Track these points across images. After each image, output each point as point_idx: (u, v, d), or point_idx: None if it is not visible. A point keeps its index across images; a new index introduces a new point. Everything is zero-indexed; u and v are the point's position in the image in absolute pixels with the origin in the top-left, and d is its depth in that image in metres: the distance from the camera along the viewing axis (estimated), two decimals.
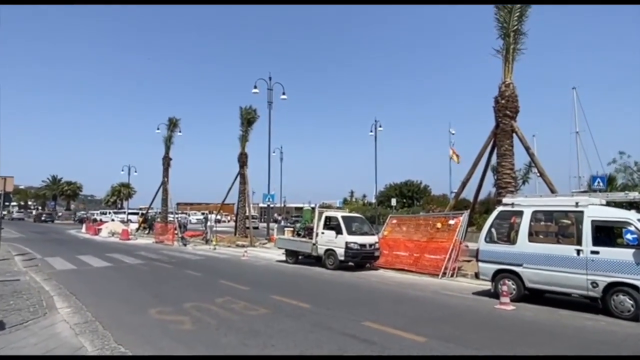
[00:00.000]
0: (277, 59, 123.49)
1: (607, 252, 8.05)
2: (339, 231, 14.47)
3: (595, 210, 8.56)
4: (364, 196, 65.22)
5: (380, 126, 35.93)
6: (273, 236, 23.87)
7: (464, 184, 16.14)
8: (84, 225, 39.27)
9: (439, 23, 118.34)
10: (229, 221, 55.24)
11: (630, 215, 8.26)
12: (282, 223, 37.72)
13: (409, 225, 16.36)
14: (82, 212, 69.88)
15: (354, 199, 65.05)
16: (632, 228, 7.88)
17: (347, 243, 14.08)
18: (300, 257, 16.16)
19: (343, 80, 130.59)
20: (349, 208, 38.12)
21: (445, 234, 14.11)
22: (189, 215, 52.57)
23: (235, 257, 18.12)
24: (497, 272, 9.50)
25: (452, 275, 12.91)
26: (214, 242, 23.45)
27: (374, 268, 14.81)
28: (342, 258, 14.20)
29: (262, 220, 48.31)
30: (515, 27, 14.16)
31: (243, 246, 22.07)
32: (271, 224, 29.51)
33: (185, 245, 24.01)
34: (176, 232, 26.00)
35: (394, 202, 40.21)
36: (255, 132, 29.10)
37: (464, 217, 13.98)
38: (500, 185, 14.12)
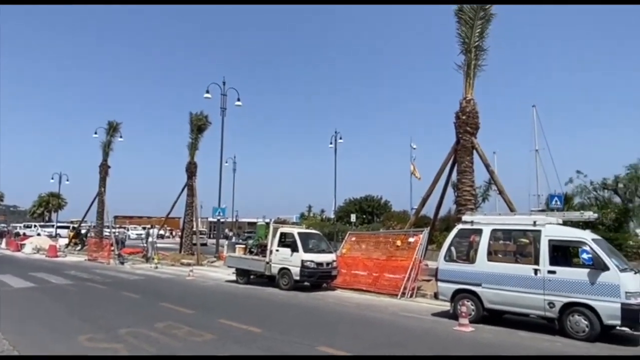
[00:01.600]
0: (233, 64, 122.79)
1: (564, 272, 8.53)
2: (294, 249, 14.40)
3: (552, 229, 9.06)
4: (323, 211, 65.51)
5: (340, 138, 36.43)
6: (223, 254, 23.35)
7: (424, 201, 16.65)
8: (3, 240, 36.69)
9: (403, 33, 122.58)
10: (174, 237, 53.62)
11: (585, 235, 8.84)
12: (234, 239, 37.07)
13: (368, 243, 16.62)
14: (2, 225, 65.14)
15: (311, 214, 65.13)
16: (587, 248, 8.40)
17: (303, 261, 14.03)
18: (252, 277, 15.92)
19: (303, 89, 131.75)
20: (306, 224, 38.12)
21: (405, 252, 14.43)
22: (128, 230, 50.47)
23: (179, 277, 17.56)
24: (457, 292, 9.80)
25: (411, 296, 13.18)
26: (155, 260, 22.61)
27: (331, 288, 14.85)
28: (298, 278, 14.13)
29: (212, 236, 47.28)
30: (477, 43, 14.95)
31: (189, 265, 21.43)
32: (221, 241, 28.90)
33: (122, 263, 22.98)
34: (112, 248, 24.85)
35: (353, 217, 40.71)
36: (206, 141, 28.65)
37: (424, 235, 14.38)
38: (460, 202, 14.66)
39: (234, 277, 16.41)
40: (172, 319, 8.90)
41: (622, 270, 8.15)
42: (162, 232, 33.98)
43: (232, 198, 50.86)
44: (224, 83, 25.52)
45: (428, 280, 13.97)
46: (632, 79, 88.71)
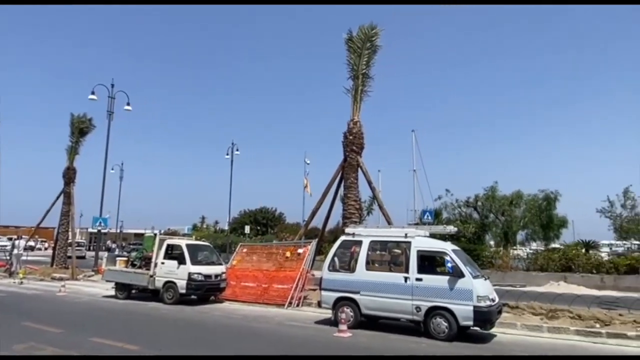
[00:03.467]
0: (123, 66, 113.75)
1: (429, 279, 9.36)
2: (182, 261, 13.73)
3: (421, 241, 9.92)
4: (217, 222, 63.79)
5: (237, 150, 35.97)
6: (102, 267, 21.32)
7: (313, 213, 17.15)
8: None
9: (301, 50, 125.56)
10: (46, 249, 47.68)
11: (446, 246, 9.81)
12: (116, 252, 34.19)
13: (260, 254, 16.46)
14: None
15: (205, 226, 62.93)
16: (448, 258, 9.39)
17: (190, 274, 13.42)
18: (134, 292, 14.78)
19: (201, 98, 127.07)
20: (198, 235, 36.67)
21: (294, 263, 14.62)
22: None
23: (48, 293, 15.59)
24: (338, 300, 10.17)
25: (298, 305, 13.36)
26: (20, 275, 19.79)
27: (219, 301, 14.41)
28: (184, 291, 13.47)
29: (92, 248, 43.01)
30: (364, 71, 16.00)
31: (61, 279, 19.10)
32: (102, 253, 26.40)
33: None
34: None
35: (247, 229, 40.23)
36: (90, 145, 26.22)
37: (312, 246, 14.74)
38: (346, 215, 15.39)
39: (113, 292, 15.05)
40: (35, 339, 7.86)
41: (475, 277, 9.19)
42: (31, 243, 29.95)
43: (117, 207, 46.79)
44: (112, 85, 23.69)
45: (314, 290, 14.30)
46: (496, 109, 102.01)
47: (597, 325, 10.23)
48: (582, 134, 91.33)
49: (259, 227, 50.63)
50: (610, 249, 30.42)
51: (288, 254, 15.08)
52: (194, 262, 13.79)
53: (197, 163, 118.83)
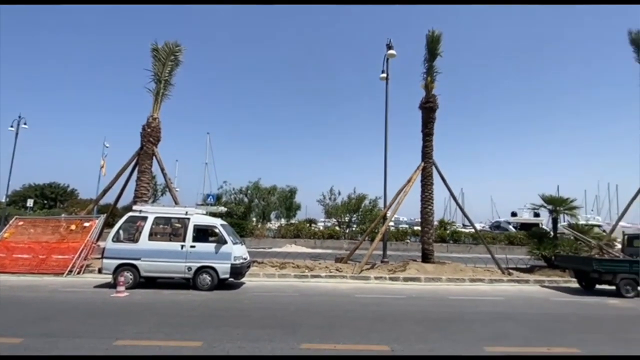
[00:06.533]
0: None
1: (201, 246, 9.23)
2: None
3: (197, 217, 9.68)
4: None
5: (25, 124, 26.56)
6: None
7: (104, 191, 14.36)
8: None
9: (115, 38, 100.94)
10: None
11: (216, 221, 9.86)
12: None
13: (42, 227, 12.60)
14: None
15: None
16: (216, 230, 9.46)
17: None
18: None
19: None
20: None
21: (79, 235, 11.89)
22: None
23: None
24: (119, 266, 8.88)
25: (79, 273, 10.92)
26: None
27: None
28: None
29: None
30: (166, 78, 14.40)
31: None
32: None
33: None
34: None
35: (30, 202, 30.27)
36: None
37: (99, 220, 12.33)
38: (138, 195, 13.53)
39: None
40: None
41: (234, 244, 9.57)
42: None
43: None
44: None
45: (99, 258, 11.98)
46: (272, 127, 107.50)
47: (306, 271, 12.22)
48: (325, 148, 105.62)
49: (46, 202, 38.82)
50: (324, 223, 36.21)
51: (73, 227, 12.16)
52: None
53: None
